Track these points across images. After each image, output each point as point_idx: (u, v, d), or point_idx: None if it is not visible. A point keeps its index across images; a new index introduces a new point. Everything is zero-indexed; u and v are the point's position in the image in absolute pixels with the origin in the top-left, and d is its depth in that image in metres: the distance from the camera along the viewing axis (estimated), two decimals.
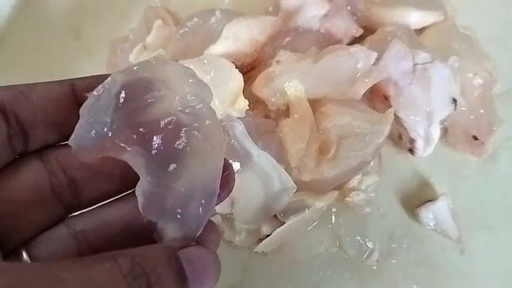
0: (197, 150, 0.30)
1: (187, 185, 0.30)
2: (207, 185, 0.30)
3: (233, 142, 0.53)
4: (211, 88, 0.54)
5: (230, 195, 0.53)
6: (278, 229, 0.56)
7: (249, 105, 0.59)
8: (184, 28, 0.63)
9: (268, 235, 0.57)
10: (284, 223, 0.56)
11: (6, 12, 0.64)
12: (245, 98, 0.57)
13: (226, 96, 0.55)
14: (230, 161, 0.53)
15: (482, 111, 0.65)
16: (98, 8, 0.69)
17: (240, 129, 0.53)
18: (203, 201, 0.30)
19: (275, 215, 0.57)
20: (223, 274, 0.58)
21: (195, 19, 0.63)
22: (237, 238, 0.58)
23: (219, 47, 0.61)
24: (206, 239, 0.32)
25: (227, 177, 0.33)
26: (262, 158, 0.53)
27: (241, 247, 0.60)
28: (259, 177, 0.53)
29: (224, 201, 0.54)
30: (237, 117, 0.55)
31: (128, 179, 0.36)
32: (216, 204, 0.32)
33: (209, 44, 0.61)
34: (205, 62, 0.57)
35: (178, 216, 0.30)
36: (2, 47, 0.63)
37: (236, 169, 0.53)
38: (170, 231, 0.30)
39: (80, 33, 0.68)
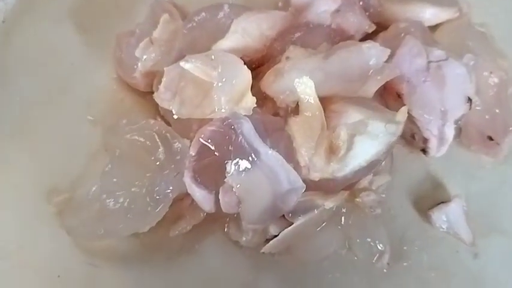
0: None
1: None
2: None
3: (240, 140, 0.52)
4: (219, 84, 0.54)
5: (237, 194, 0.52)
6: (286, 230, 0.55)
7: (257, 102, 0.57)
8: (192, 23, 0.61)
9: (276, 236, 0.56)
10: (292, 224, 0.55)
11: (11, 6, 0.63)
12: (253, 95, 0.55)
13: (234, 93, 0.54)
14: (237, 160, 0.52)
15: (497, 110, 0.63)
16: (103, 2, 0.68)
17: (247, 127, 0.52)
18: None
19: (283, 215, 0.55)
20: (229, 274, 0.58)
21: (203, 13, 0.62)
22: (244, 238, 0.57)
23: (227, 42, 0.59)
24: None
25: None
26: (270, 156, 0.52)
27: (248, 247, 0.58)
28: (267, 176, 0.52)
29: (231, 200, 0.54)
30: (244, 115, 0.53)
31: None
32: None
33: (217, 39, 0.60)
34: (213, 57, 0.55)
35: None
36: (7, 41, 0.62)
37: (243, 168, 0.52)
38: None
39: (85, 28, 0.67)
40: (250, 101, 0.54)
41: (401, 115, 0.53)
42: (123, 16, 0.69)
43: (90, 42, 0.67)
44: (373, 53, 0.56)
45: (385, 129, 0.53)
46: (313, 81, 0.54)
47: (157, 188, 0.56)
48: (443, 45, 0.63)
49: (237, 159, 0.52)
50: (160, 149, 0.57)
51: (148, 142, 0.57)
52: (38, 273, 0.56)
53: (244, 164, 0.52)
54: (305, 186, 0.52)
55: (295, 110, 0.56)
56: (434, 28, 0.68)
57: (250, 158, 0.52)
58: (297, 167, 0.54)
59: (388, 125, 0.53)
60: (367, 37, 0.63)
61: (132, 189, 0.56)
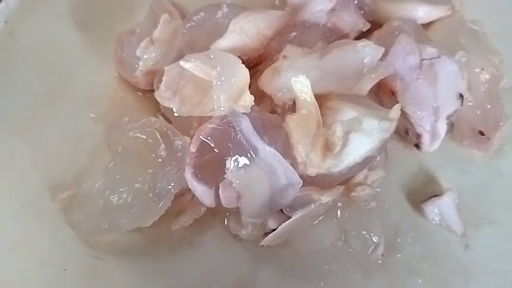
0: None
1: None
2: None
3: (239, 137, 0.53)
4: (218, 83, 0.55)
5: (237, 189, 0.54)
6: (284, 223, 0.56)
7: (255, 100, 0.59)
8: (191, 22, 0.63)
9: (274, 229, 0.57)
10: (290, 218, 0.56)
11: (13, 5, 0.64)
12: (251, 93, 0.57)
13: (232, 91, 0.55)
14: (236, 156, 0.53)
15: (488, 106, 0.64)
16: (105, 1, 0.69)
17: (245, 124, 0.54)
18: None
19: (281, 210, 0.57)
20: (229, 266, 0.60)
21: (202, 13, 0.63)
22: (244, 232, 0.59)
23: (226, 42, 0.61)
24: None
25: None
26: (268, 153, 0.53)
27: (248, 241, 0.60)
28: (265, 172, 0.54)
29: (230, 195, 0.55)
30: (242, 113, 0.55)
31: None
32: None
33: (216, 38, 0.61)
34: (212, 56, 0.56)
35: None
36: (10, 40, 0.63)
37: (242, 164, 0.53)
38: None
39: (86, 26, 0.68)
40: (249, 99, 0.56)
41: (395, 112, 0.55)
42: (125, 14, 0.71)
43: (91, 40, 0.68)
44: (368, 51, 0.58)
45: (379, 126, 0.54)
46: (310, 80, 0.55)
47: (159, 184, 0.57)
48: (436, 42, 0.65)
49: (236, 155, 0.53)
50: (162, 146, 0.59)
51: (150, 139, 0.59)
52: (43, 266, 0.57)
53: (243, 160, 0.53)
54: (302, 181, 0.54)
55: (292, 107, 0.57)
56: (427, 26, 0.69)
57: (248, 155, 0.53)
58: (294, 163, 0.56)
59: (381, 122, 0.55)
60: (362, 35, 0.65)
61: (135, 185, 0.57)
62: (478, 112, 0.64)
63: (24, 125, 0.63)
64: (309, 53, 0.59)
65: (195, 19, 0.63)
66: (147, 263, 0.60)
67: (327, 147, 0.55)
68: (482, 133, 0.64)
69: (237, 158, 0.54)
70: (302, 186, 0.56)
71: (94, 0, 0.68)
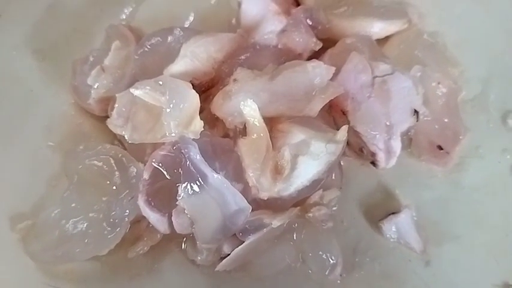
0: None
1: None
2: None
3: (188, 164, 0.53)
4: (167, 110, 0.55)
5: (189, 215, 0.54)
6: (237, 248, 0.56)
7: (208, 124, 0.59)
8: (143, 48, 0.63)
9: (229, 254, 0.57)
10: (243, 242, 0.56)
11: None
12: (205, 117, 0.57)
13: (183, 117, 0.56)
14: (186, 183, 0.53)
15: (447, 120, 0.64)
16: (61, 28, 0.69)
17: (194, 151, 0.54)
18: None
19: (235, 234, 0.57)
20: None
21: (154, 38, 0.63)
22: (199, 257, 0.59)
23: (177, 66, 0.61)
24: None
25: None
26: (216, 180, 0.53)
27: (204, 266, 0.60)
28: (215, 198, 0.54)
29: (183, 221, 0.55)
30: (192, 139, 0.55)
31: None
32: None
33: (168, 63, 0.61)
34: (161, 83, 0.57)
35: None
36: None
37: (192, 191, 0.53)
38: None
39: (44, 55, 0.68)
40: (199, 124, 0.56)
41: (342, 134, 0.55)
42: (83, 41, 0.71)
43: (48, 68, 0.69)
44: (318, 71, 0.58)
45: (326, 149, 0.54)
46: (260, 103, 0.55)
47: (114, 213, 0.58)
48: (392, 57, 0.65)
49: (186, 182, 0.54)
50: (117, 174, 0.59)
51: (105, 166, 0.59)
52: None
53: (193, 187, 0.54)
54: (251, 207, 0.54)
55: (244, 131, 0.57)
56: (384, 40, 0.69)
57: (198, 182, 0.53)
58: (246, 187, 0.56)
59: (328, 144, 0.54)
60: (315, 54, 0.64)
61: (90, 214, 0.58)
62: (436, 126, 0.64)
63: None
64: (259, 76, 0.59)
65: (147, 44, 0.63)
66: None
67: (277, 171, 0.55)
68: (440, 147, 0.63)
69: (187, 185, 0.54)
70: (256, 209, 0.56)
71: (51, 28, 0.69)
